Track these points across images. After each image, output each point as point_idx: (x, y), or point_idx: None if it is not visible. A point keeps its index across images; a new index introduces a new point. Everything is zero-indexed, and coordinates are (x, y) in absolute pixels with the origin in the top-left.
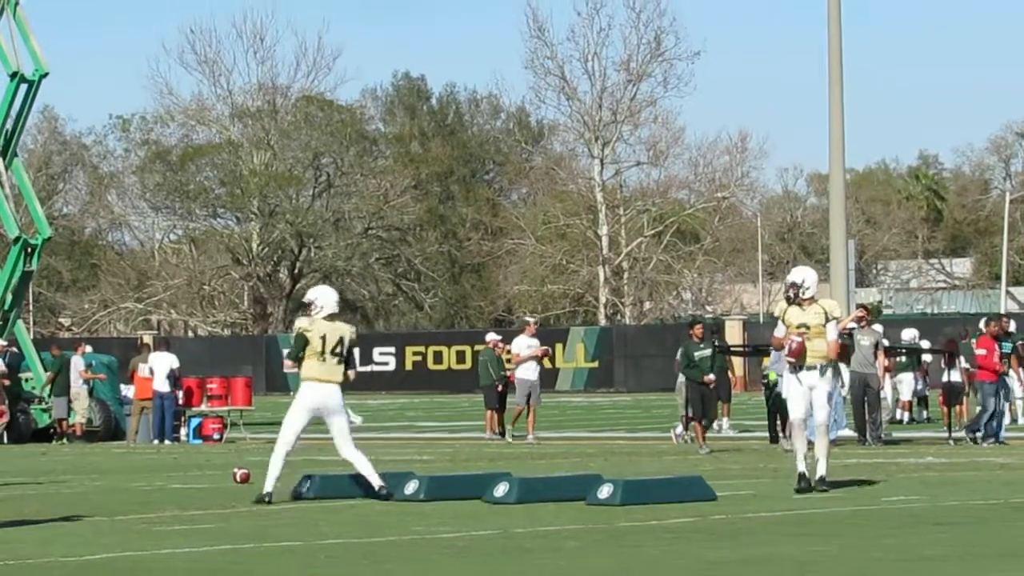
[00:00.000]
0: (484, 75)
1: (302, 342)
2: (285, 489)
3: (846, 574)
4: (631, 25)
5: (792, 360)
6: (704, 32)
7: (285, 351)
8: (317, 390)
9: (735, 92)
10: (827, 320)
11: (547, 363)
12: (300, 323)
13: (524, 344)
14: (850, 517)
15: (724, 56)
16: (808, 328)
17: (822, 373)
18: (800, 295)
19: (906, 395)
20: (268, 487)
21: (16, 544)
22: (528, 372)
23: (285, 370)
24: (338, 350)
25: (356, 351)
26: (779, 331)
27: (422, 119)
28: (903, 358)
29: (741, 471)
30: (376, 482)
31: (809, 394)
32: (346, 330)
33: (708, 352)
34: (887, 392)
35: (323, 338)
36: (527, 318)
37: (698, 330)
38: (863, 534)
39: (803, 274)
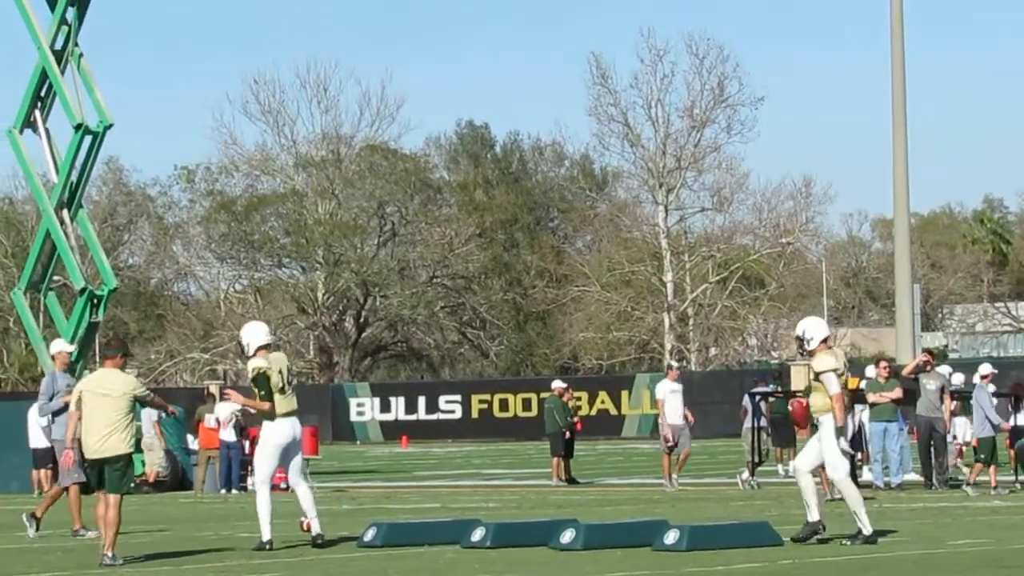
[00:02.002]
0: (547, 122)
1: (265, 381)
2: (351, 536)
3: None
4: (694, 71)
5: (798, 425)
6: (767, 77)
7: (256, 395)
8: (286, 425)
9: (799, 137)
10: (815, 378)
11: (613, 410)
12: (255, 364)
13: (668, 389)
14: (916, 561)
15: (787, 101)
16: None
17: (820, 427)
18: (805, 347)
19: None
20: (266, 534)
21: None
22: (675, 417)
23: (240, 402)
24: (291, 381)
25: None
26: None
27: (486, 167)
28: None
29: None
30: (315, 527)
31: (819, 447)
32: (285, 359)
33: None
34: (958, 433)
35: (280, 372)
36: (671, 362)
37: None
38: None
39: (803, 326)
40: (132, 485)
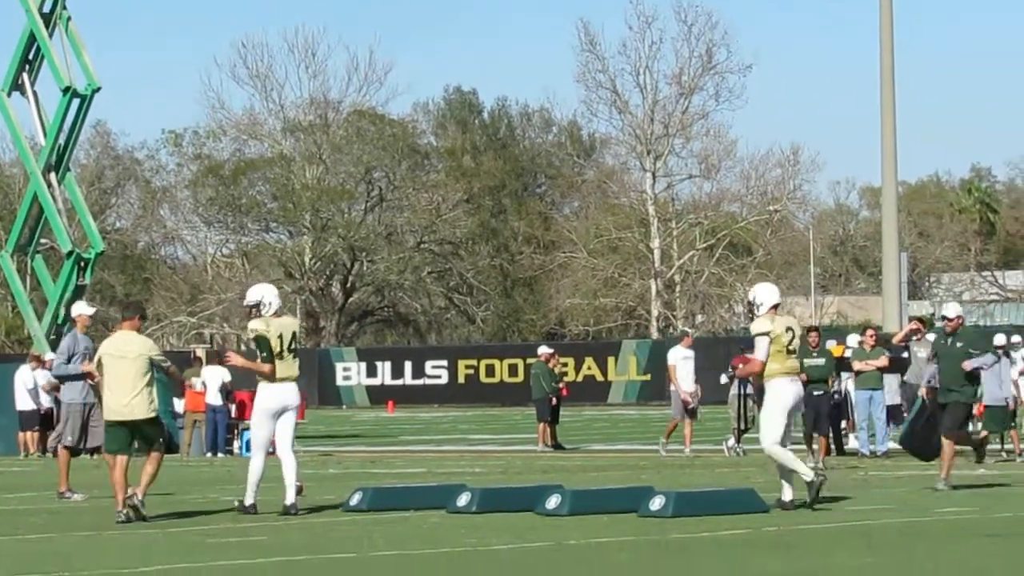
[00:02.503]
0: (535, 88)
1: (265, 344)
2: (336, 501)
3: None
4: (682, 38)
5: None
6: (756, 45)
7: (258, 356)
8: (279, 390)
9: (787, 105)
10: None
11: (599, 376)
12: (254, 325)
13: (681, 355)
14: (902, 529)
15: (776, 69)
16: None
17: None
18: (756, 312)
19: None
20: (250, 498)
21: (70, 556)
22: (689, 383)
23: (233, 363)
24: (293, 346)
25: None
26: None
27: (474, 133)
28: None
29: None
30: (291, 496)
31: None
32: (293, 323)
33: (822, 361)
34: None
35: (280, 337)
36: (686, 329)
37: (813, 337)
38: (914, 545)
39: (755, 291)
40: (164, 438)
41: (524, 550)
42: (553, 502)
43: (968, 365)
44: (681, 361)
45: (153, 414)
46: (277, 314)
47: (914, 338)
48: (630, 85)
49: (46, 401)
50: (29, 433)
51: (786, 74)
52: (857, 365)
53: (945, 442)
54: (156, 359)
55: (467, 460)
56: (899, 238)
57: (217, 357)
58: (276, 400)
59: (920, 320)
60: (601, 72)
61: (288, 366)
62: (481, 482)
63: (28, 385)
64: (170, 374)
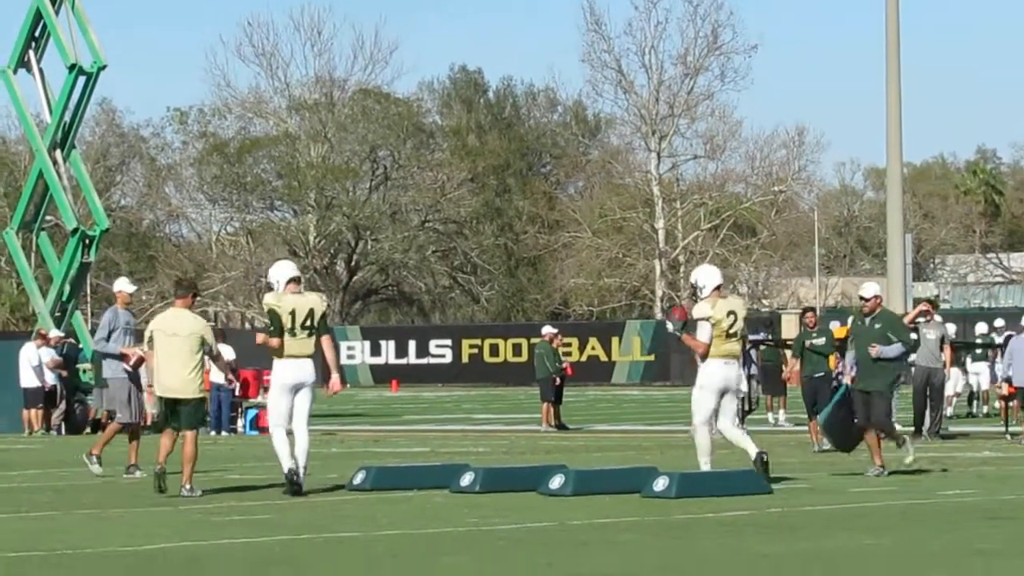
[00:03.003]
0: (541, 68)
1: (275, 319)
2: (340, 480)
3: (899, 568)
4: (688, 19)
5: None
6: (761, 26)
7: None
8: (291, 366)
9: (792, 86)
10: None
11: (603, 356)
12: (267, 300)
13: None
14: (904, 511)
15: (781, 50)
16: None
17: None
18: (699, 295)
19: (985, 385)
20: (287, 464)
21: (74, 534)
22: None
23: (258, 343)
24: (307, 323)
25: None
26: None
27: (479, 112)
28: (978, 351)
29: (796, 464)
30: (300, 470)
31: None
32: (315, 301)
33: (822, 340)
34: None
35: (292, 313)
36: None
37: (811, 317)
38: (917, 528)
39: (696, 274)
40: (205, 419)
41: (527, 530)
42: (557, 482)
43: (873, 352)
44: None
45: (201, 394)
46: (298, 291)
47: (923, 320)
48: (635, 65)
49: (50, 378)
50: (33, 411)
51: (791, 55)
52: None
53: (870, 432)
54: (207, 339)
55: (471, 440)
56: (904, 219)
57: (222, 335)
58: (290, 375)
59: (930, 302)
60: (606, 52)
61: (300, 343)
62: (484, 462)
63: (33, 362)
64: (218, 364)
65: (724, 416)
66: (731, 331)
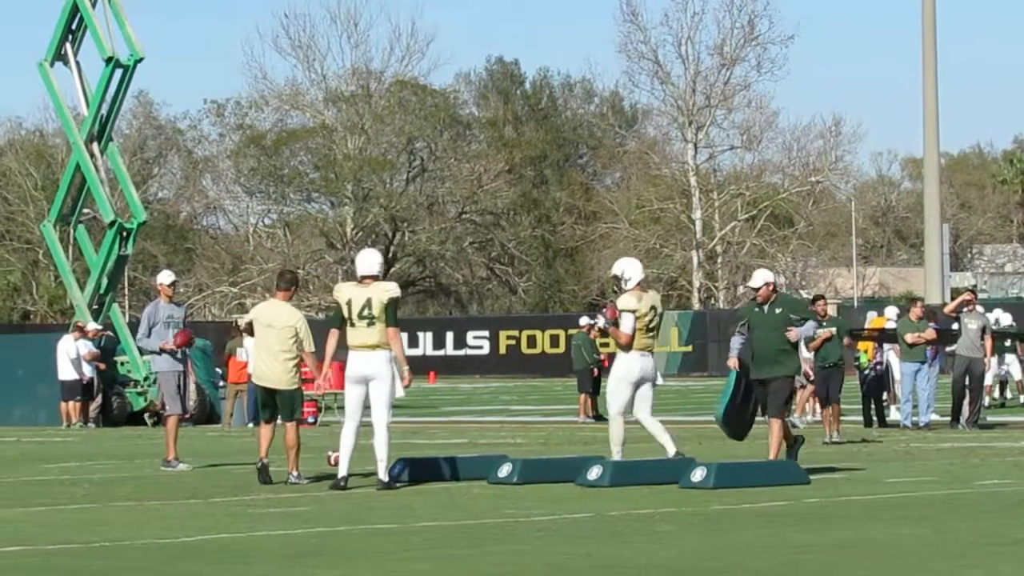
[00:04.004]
0: (577, 59)
1: (336, 308)
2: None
3: (938, 557)
4: (724, 9)
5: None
6: (797, 16)
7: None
8: (356, 360)
9: (829, 76)
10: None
11: None
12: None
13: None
14: (943, 500)
15: (818, 40)
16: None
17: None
18: (623, 287)
19: (1017, 375)
20: (343, 469)
21: (111, 526)
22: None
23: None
24: (366, 313)
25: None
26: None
27: (515, 103)
28: (1008, 341)
29: (834, 454)
30: (382, 469)
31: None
32: (376, 291)
33: (833, 330)
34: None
35: (348, 303)
36: (810, 298)
37: (820, 306)
38: (955, 517)
39: (622, 266)
40: (301, 410)
41: (565, 521)
42: (594, 473)
43: (793, 335)
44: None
45: (293, 385)
46: (365, 281)
47: (965, 309)
48: (672, 56)
49: (88, 371)
50: (71, 403)
51: (828, 45)
52: (910, 337)
53: (774, 423)
54: (301, 334)
55: (508, 431)
56: (941, 209)
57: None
58: (352, 367)
59: (972, 292)
60: (643, 43)
61: (358, 333)
62: (522, 453)
63: (71, 355)
64: (308, 359)
65: (641, 406)
66: (651, 325)
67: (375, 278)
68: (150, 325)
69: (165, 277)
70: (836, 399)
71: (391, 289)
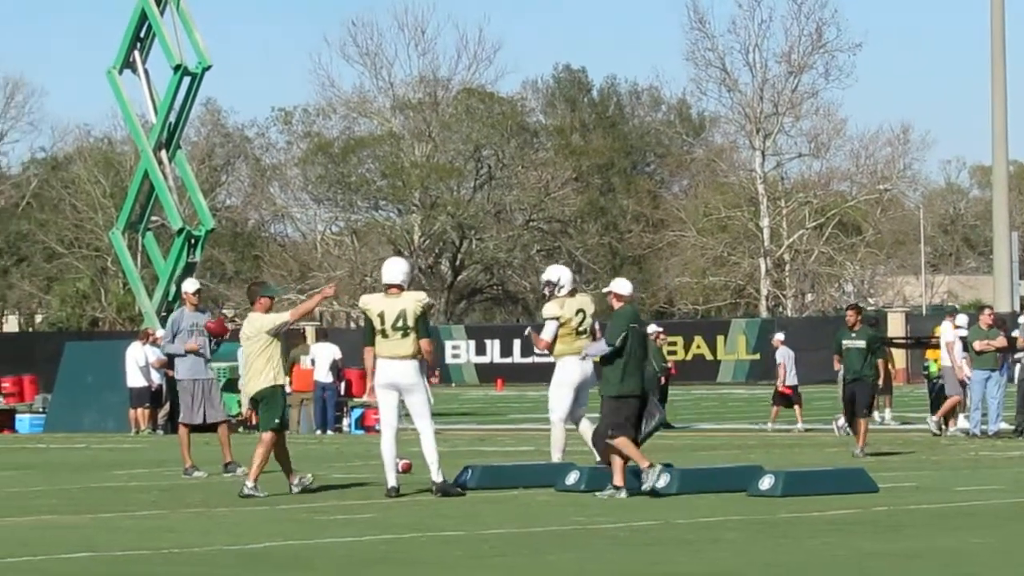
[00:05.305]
0: (645, 67)
1: (367, 321)
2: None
3: (1006, 566)
4: (792, 16)
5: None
6: (865, 23)
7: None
8: (386, 368)
9: (897, 83)
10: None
11: (708, 355)
12: (361, 301)
13: (955, 333)
14: (1012, 509)
15: (886, 47)
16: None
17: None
18: (556, 292)
19: None
20: (391, 480)
21: (180, 532)
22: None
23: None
24: (399, 324)
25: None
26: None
27: (583, 111)
28: None
29: (903, 463)
30: (435, 471)
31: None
32: (408, 302)
33: (861, 343)
34: None
35: (380, 315)
36: (955, 306)
37: (850, 316)
38: (1023, 526)
39: (557, 272)
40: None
41: (632, 529)
42: (663, 481)
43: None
44: (959, 339)
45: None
46: (396, 292)
47: None
48: (739, 63)
49: (157, 378)
50: (140, 410)
51: (896, 52)
52: (979, 345)
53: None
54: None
55: (575, 438)
56: (1010, 217)
57: (324, 334)
58: (382, 376)
59: None
60: (710, 50)
61: (391, 344)
62: (589, 461)
63: (139, 362)
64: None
65: (578, 411)
66: (580, 328)
67: (400, 288)
68: (174, 332)
69: (190, 285)
70: (861, 413)
71: (422, 299)
